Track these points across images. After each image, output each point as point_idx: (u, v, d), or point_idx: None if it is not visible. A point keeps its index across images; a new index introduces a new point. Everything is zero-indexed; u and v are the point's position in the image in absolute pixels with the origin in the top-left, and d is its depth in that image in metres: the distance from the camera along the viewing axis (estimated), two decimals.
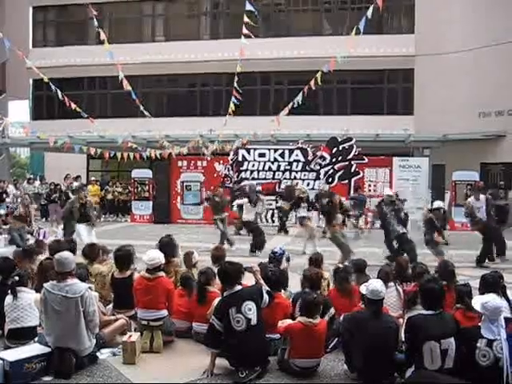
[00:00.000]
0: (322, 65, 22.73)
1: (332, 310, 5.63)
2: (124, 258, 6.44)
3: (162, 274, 6.01)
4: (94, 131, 18.52)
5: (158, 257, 6.00)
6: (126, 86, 13.95)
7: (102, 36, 13.29)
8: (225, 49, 23.43)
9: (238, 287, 5.09)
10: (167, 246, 7.24)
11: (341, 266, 6.39)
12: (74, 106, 13.81)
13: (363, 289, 4.94)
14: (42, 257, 7.33)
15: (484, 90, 20.71)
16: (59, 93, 13.81)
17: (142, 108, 15.18)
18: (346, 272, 6.25)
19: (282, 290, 6.10)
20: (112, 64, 23.01)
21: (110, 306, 6.36)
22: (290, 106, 16.29)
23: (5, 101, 29.02)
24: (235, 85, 15.76)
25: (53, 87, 15.05)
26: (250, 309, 4.93)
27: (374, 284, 4.86)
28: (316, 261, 6.95)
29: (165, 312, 5.82)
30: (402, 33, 23.49)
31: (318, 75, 15.16)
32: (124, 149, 17.27)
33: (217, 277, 6.02)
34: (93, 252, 7.10)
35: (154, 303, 5.76)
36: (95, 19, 12.42)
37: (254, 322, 4.92)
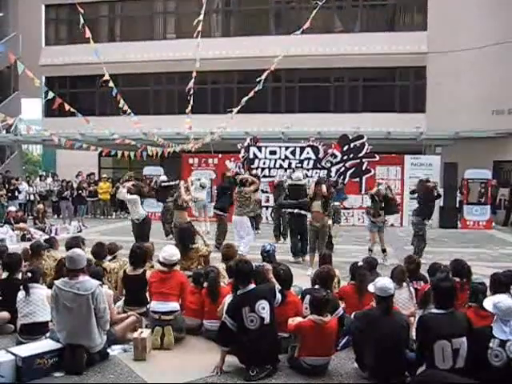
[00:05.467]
0: (332, 62, 22.84)
1: (340, 310, 5.62)
2: (140, 255, 6.47)
3: (177, 268, 6.11)
4: (104, 129, 18.58)
5: (176, 254, 6.13)
6: (110, 83, 13.85)
7: (88, 34, 13.19)
8: (236, 47, 23.46)
9: (252, 286, 5.09)
10: (186, 233, 7.41)
11: (360, 263, 6.35)
12: (67, 106, 13.79)
13: (371, 287, 4.92)
14: (55, 253, 7.40)
15: (497, 88, 20.54)
16: (49, 92, 13.84)
17: (125, 107, 15.11)
18: (365, 269, 6.21)
19: (292, 288, 6.12)
20: (123, 62, 23.30)
21: (120, 303, 6.39)
22: (239, 106, 16.21)
23: (17, 99, 29.23)
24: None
25: (44, 87, 15.10)
26: (263, 308, 4.93)
27: (382, 281, 4.86)
28: (326, 258, 6.96)
29: (177, 305, 5.85)
30: (414, 30, 23.31)
31: (263, 76, 15.15)
32: (119, 146, 17.25)
33: (223, 275, 6.12)
34: (101, 250, 7.14)
35: (167, 295, 5.81)
36: (81, 16, 12.35)
37: (267, 320, 4.92)
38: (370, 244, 11.11)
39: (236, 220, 10.97)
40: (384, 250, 10.73)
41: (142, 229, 10.50)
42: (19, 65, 11.98)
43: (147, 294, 6.18)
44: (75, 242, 7.03)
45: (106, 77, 13.52)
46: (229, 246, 7.29)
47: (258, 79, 15.55)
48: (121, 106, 14.86)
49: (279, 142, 19.68)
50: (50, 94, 13.59)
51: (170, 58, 23.36)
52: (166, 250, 6.12)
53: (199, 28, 14.31)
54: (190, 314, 6.07)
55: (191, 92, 15.51)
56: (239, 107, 16.31)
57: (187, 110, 16.01)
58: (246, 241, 10.73)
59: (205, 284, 6.19)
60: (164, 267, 5.99)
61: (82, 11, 12.62)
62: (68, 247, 6.58)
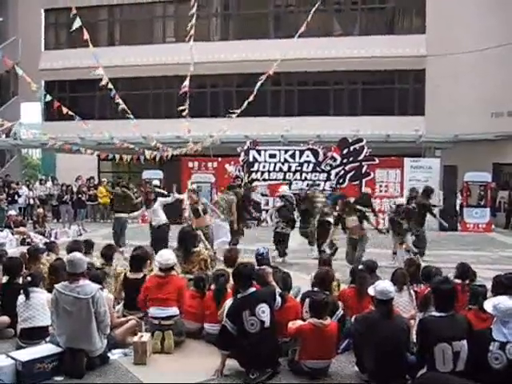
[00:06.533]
0: (332, 65, 22.87)
1: (340, 311, 5.60)
2: (140, 258, 6.48)
3: (174, 273, 6.10)
4: (104, 133, 18.58)
5: (172, 258, 6.11)
6: (109, 85, 13.81)
7: (86, 36, 13.13)
8: (235, 50, 23.50)
9: (252, 289, 5.08)
10: (187, 236, 7.38)
11: (360, 266, 6.37)
12: (65, 109, 13.79)
13: (371, 290, 4.91)
14: (54, 257, 7.40)
15: (496, 90, 20.56)
16: (47, 96, 13.88)
17: (122, 106, 15.11)
18: (365, 272, 6.21)
19: (291, 291, 6.11)
20: (122, 66, 23.32)
21: (119, 306, 6.38)
22: (241, 109, 16.19)
23: (17, 103, 29.25)
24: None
25: (42, 91, 15.08)
26: (263, 311, 4.92)
27: (383, 284, 4.84)
28: (325, 261, 6.96)
29: (176, 310, 5.83)
30: (413, 33, 23.38)
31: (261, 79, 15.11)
32: (118, 150, 17.25)
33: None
34: (110, 252, 7.15)
35: (165, 300, 5.80)
36: (79, 19, 12.28)
37: (267, 324, 4.91)
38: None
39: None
40: (395, 253, 10.72)
41: (156, 234, 10.86)
42: (17, 69, 12.01)
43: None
44: (76, 246, 7.04)
45: (105, 79, 13.46)
46: (231, 250, 7.25)
47: (256, 81, 15.55)
48: (120, 106, 14.82)
49: (279, 146, 19.70)
50: (49, 98, 13.59)
51: (170, 61, 23.37)
52: (162, 253, 6.13)
53: (192, 32, 14.27)
54: (189, 318, 6.06)
55: (187, 95, 15.49)
56: (240, 110, 16.31)
57: (184, 113, 15.99)
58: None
59: (212, 286, 6.20)
60: (161, 272, 5.99)
61: (77, 14, 12.52)
62: (69, 251, 6.58)
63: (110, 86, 13.72)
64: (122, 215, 12.44)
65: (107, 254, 7.12)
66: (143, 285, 6.02)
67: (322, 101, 24.03)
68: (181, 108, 15.56)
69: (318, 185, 14.93)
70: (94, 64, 13.53)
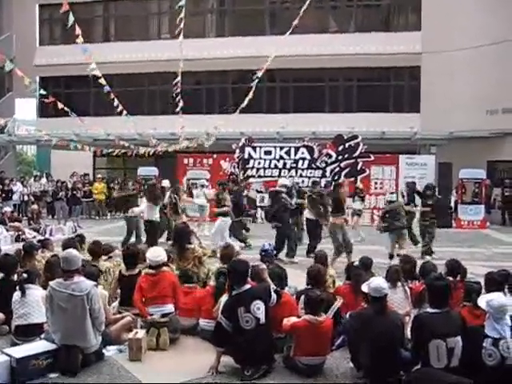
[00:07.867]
0: (327, 62, 22.86)
1: (336, 303, 5.60)
2: (132, 255, 6.47)
3: (165, 268, 6.09)
4: (99, 129, 18.55)
5: (162, 254, 6.10)
6: (101, 80, 13.73)
7: (78, 31, 13.00)
8: (230, 47, 23.45)
9: (247, 286, 5.07)
10: (182, 233, 7.37)
11: (356, 263, 6.37)
12: (60, 105, 13.72)
13: (365, 287, 4.92)
14: (48, 254, 7.39)
15: (491, 88, 20.59)
16: (42, 91, 13.83)
17: (119, 106, 15.04)
18: (360, 269, 6.22)
19: (287, 288, 6.11)
20: (118, 62, 23.24)
21: (115, 303, 6.37)
22: (241, 106, 16.18)
23: (12, 99, 29.08)
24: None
25: (34, 85, 15.04)
26: (258, 308, 4.92)
27: (377, 281, 4.85)
28: (321, 258, 6.96)
29: (172, 307, 5.84)
30: (408, 30, 23.39)
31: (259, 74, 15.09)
32: (115, 146, 17.22)
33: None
34: (98, 249, 7.14)
35: (161, 297, 5.80)
36: (71, 14, 12.16)
37: (262, 321, 4.91)
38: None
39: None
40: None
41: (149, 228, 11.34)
42: (7, 64, 11.94)
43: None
44: (71, 243, 7.02)
45: (97, 72, 13.35)
46: (227, 247, 7.20)
47: (253, 75, 15.53)
48: (115, 103, 14.80)
49: (274, 142, 19.71)
50: (43, 93, 13.54)
51: (165, 58, 23.29)
52: (151, 250, 6.16)
53: (181, 26, 14.16)
54: (184, 314, 6.06)
55: (178, 91, 15.45)
56: (239, 108, 16.28)
57: (177, 109, 15.97)
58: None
59: (212, 282, 6.18)
60: (152, 269, 5.98)
61: (73, 10, 12.43)
62: (64, 248, 6.56)
63: (103, 81, 13.66)
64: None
65: (94, 250, 7.09)
66: (137, 285, 6.00)
67: (318, 97, 24.03)
68: (171, 102, 15.51)
69: (318, 183, 14.69)
70: (87, 59, 13.42)
